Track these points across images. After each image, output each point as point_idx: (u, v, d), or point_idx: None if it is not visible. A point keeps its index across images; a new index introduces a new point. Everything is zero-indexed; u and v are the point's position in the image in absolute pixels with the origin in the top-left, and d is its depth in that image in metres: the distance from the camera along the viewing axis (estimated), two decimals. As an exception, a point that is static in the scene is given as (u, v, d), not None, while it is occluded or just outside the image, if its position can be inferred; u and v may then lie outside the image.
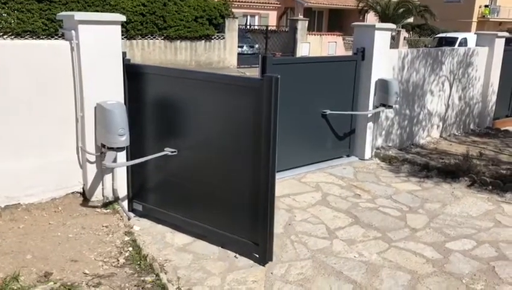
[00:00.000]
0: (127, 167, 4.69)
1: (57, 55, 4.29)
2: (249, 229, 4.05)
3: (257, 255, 4.02)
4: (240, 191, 4.05)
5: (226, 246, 4.19)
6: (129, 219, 4.52)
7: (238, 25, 21.03)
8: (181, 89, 4.32)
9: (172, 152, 4.37)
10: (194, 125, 4.28)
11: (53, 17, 14.82)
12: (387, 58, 6.83)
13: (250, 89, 3.85)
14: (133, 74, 4.56)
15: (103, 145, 4.40)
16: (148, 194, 4.74)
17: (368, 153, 6.94)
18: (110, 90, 4.43)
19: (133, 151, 4.63)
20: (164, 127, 4.47)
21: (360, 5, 30.09)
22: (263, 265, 3.95)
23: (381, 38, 6.64)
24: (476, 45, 9.05)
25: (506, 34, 9.19)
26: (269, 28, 23.40)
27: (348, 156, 6.97)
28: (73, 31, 4.26)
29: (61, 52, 4.30)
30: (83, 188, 4.66)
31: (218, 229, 4.21)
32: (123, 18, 4.42)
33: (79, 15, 4.22)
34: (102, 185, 4.59)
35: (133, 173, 4.74)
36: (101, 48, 4.34)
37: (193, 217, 4.38)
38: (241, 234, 4.09)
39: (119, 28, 4.43)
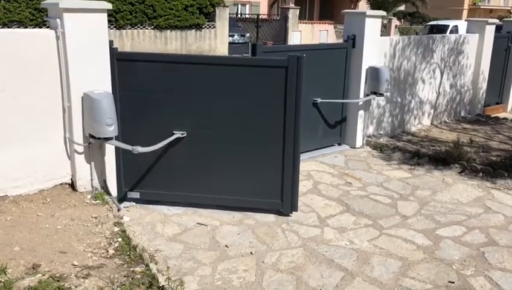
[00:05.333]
0: (117, 156, 4.64)
1: (41, 45, 4.21)
2: (275, 189, 4.64)
3: (281, 210, 4.68)
4: (266, 160, 4.60)
5: (254, 210, 4.69)
6: (119, 209, 4.48)
7: (229, 14, 20.83)
8: (194, 73, 4.49)
9: (182, 134, 4.55)
10: (213, 106, 4.53)
11: (40, 7, 14.59)
12: (378, 45, 6.80)
13: (278, 68, 4.40)
14: (126, 61, 4.54)
15: (91, 136, 4.35)
16: (150, 180, 4.75)
17: (359, 141, 6.93)
18: (97, 79, 4.36)
19: (133, 138, 4.55)
20: (175, 112, 4.57)
21: (351, -8, 29.96)
22: (290, 215, 4.65)
23: (372, 26, 6.60)
24: (467, 32, 9.04)
25: (497, 20, 9.18)
26: (260, 17, 23.23)
27: (339, 144, 6.96)
28: (58, 20, 4.17)
29: (46, 41, 4.21)
30: (71, 179, 4.61)
31: (245, 196, 4.68)
32: (109, 6, 4.34)
33: (64, 3, 4.13)
34: (91, 176, 4.54)
35: (126, 161, 4.70)
36: (87, 36, 4.26)
37: (214, 192, 4.70)
38: (268, 196, 4.67)
39: (105, 16, 4.35)
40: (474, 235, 4.41)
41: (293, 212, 4.71)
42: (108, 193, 4.57)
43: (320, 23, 26.67)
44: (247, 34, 22.36)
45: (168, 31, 18.89)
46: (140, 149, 4.30)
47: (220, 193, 4.71)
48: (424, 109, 8.16)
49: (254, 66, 4.56)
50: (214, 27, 20.23)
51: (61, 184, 4.57)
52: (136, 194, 4.76)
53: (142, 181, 4.76)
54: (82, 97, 4.31)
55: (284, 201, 4.66)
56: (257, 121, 4.54)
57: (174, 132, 4.55)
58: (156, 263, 3.68)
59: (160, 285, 3.23)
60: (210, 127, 4.59)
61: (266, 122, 4.53)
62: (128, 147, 4.33)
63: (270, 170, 4.62)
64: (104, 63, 4.39)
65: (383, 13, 6.97)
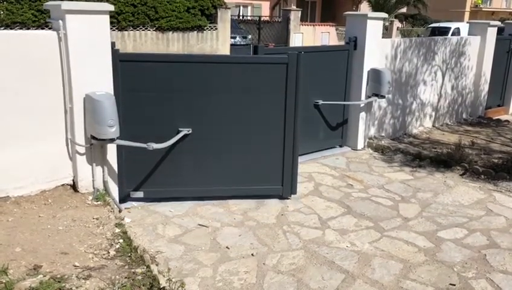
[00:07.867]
0: (119, 157, 4.65)
1: (43, 46, 4.22)
2: (276, 176, 5.02)
3: (281, 194, 5.07)
4: (268, 149, 4.95)
5: (256, 197, 5.03)
6: (120, 210, 4.49)
7: (231, 16, 20.83)
8: (197, 72, 4.64)
9: (188, 131, 4.70)
10: (218, 103, 4.74)
11: (43, 8, 14.59)
12: (379, 47, 6.80)
13: (280, 65, 4.75)
14: (129, 62, 4.59)
15: (93, 137, 4.35)
16: (153, 179, 4.81)
17: (360, 143, 6.93)
18: (99, 80, 4.36)
19: (136, 138, 4.54)
20: (179, 110, 4.69)
21: (353, -6, 29.97)
22: (289, 198, 5.08)
23: (374, 28, 6.60)
24: (468, 35, 9.03)
25: (498, 23, 9.17)
26: (262, 19, 23.25)
27: (340, 146, 6.96)
28: (60, 21, 4.18)
29: (48, 43, 4.22)
30: (73, 180, 4.61)
31: (248, 185, 4.98)
32: (111, 8, 4.34)
33: (66, 4, 4.14)
34: (93, 177, 4.54)
35: (128, 162, 4.71)
36: (89, 38, 4.27)
37: (218, 183, 4.91)
38: (269, 183, 5.03)
39: (107, 17, 4.36)
40: (476, 238, 4.40)
41: (294, 214, 4.71)
42: (110, 194, 4.57)
43: (322, 25, 26.68)
44: (249, 36, 22.37)
45: (170, 33, 18.92)
46: (155, 145, 4.38)
47: (224, 184, 4.91)
48: (425, 111, 8.15)
49: (257, 63, 4.86)
50: (216, 29, 20.25)
51: (62, 185, 4.58)
52: (139, 194, 4.80)
53: (145, 180, 4.81)
54: (84, 98, 4.32)
55: (284, 186, 5.05)
56: (260, 114, 4.83)
57: (180, 129, 4.65)
58: (157, 265, 3.68)
59: (161, 286, 3.23)
60: (214, 122, 4.77)
61: (268, 114, 4.84)
62: (143, 145, 4.37)
63: (272, 158, 4.96)
64: (106, 64, 4.40)
65: (385, 15, 6.98)
